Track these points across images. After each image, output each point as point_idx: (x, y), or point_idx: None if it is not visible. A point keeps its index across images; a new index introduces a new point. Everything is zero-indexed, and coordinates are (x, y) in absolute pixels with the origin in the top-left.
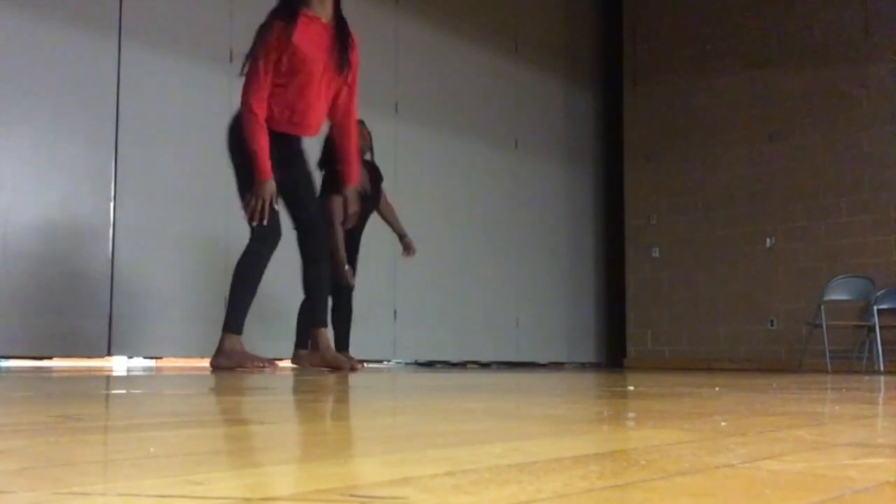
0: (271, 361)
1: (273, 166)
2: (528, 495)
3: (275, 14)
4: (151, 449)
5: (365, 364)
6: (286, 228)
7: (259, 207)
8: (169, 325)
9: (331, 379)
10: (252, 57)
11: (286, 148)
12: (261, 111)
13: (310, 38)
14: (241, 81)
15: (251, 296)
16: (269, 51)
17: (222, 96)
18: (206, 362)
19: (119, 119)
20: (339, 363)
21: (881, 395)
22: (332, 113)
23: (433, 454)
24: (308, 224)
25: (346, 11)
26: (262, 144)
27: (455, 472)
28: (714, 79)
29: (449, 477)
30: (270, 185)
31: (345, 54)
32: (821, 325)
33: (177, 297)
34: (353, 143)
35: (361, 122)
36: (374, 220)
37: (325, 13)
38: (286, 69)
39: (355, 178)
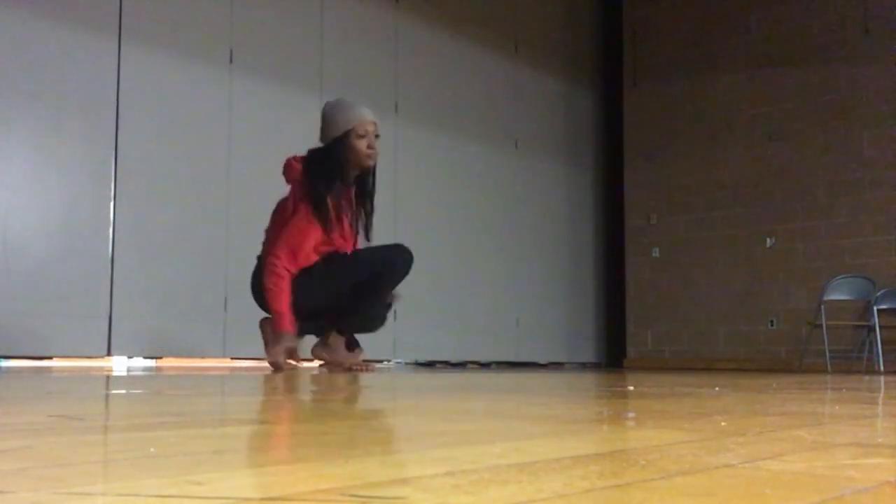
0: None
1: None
2: (528, 495)
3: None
4: (151, 449)
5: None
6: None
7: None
8: (169, 325)
9: (331, 379)
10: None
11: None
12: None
13: (340, 206)
14: (240, 81)
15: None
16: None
17: (222, 96)
18: (205, 363)
19: (119, 119)
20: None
21: (881, 395)
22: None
23: (433, 454)
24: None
25: (347, 11)
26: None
27: (455, 472)
28: (714, 79)
29: (449, 477)
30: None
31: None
32: (821, 325)
33: (177, 297)
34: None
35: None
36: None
37: (351, 180)
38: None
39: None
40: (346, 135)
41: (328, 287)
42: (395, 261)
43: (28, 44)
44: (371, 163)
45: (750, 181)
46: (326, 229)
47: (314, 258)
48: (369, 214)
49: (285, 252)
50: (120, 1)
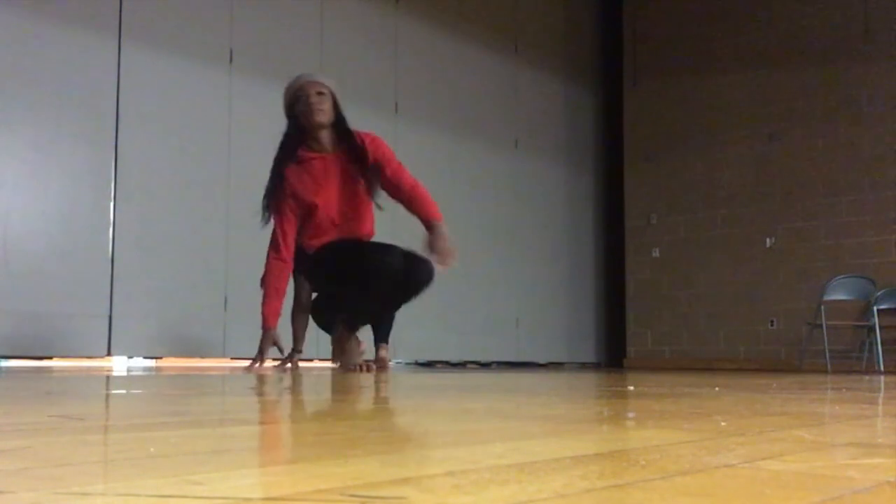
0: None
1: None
2: (528, 495)
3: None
4: (151, 449)
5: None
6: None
7: None
8: (169, 325)
9: (331, 379)
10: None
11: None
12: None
13: (310, 176)
14: (240, 81)
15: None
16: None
17: (222, 96)
18: (205, 363)
19: (119, 119)
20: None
21: (881, 395)
22: (389, 192)
23: (433, 454)
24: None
25: (347, 11)
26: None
27: (455, 472)
28: (714, 79)
29: (449, 477)
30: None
31: (358, 167)
32: (821, 325)
33: (177, 297)
34: (416, 196)
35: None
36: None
37: (322, 147)
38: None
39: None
40: (292, 102)
41: (317, 279)
42: (382, 271)
43: (28, 44)
44: (318, 118)
45: (750, 181)
46: (275, 204)
47: (314, 242)
48: (369, 175)
49: (270, 244)
50: (120, 1)
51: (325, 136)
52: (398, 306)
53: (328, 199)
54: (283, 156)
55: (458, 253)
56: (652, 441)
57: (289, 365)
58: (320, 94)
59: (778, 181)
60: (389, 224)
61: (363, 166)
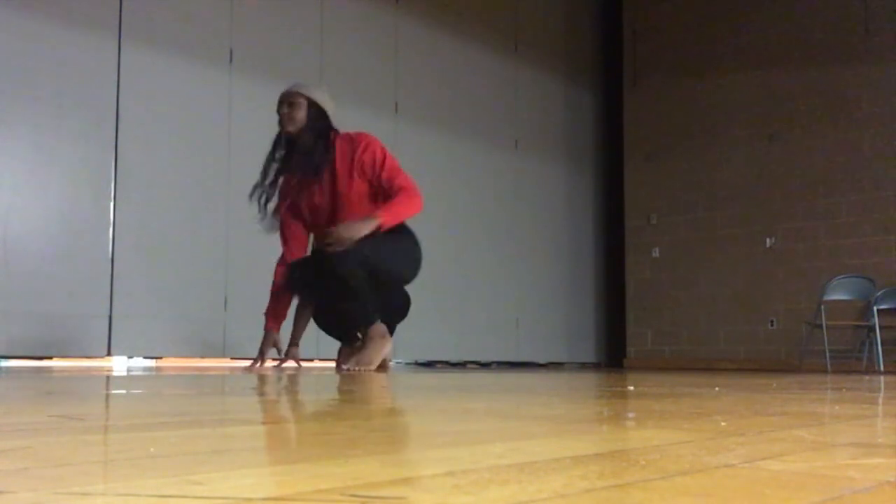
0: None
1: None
2: (528, 495)
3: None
4: (151, 449)
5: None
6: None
7: None
8: (169, 325)
9: (330, 379)
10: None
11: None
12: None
13: (295, 181)
14: (240, 81)
15: None
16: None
17: (222, 96)
18: (205, 363)
19: (119, 119)
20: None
21: (881, 395)
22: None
23: (433, 454)
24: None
25: (347, 11)
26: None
27: (455, 472)
28: (714, 79)
29: (449, 477)
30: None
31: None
32: (821, 325)
33: (177, 297)
34: (396, 196)
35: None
36: None
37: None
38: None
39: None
40: (277, 113)
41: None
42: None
43: (28, 44)
44: (286, 129)
45: (750, 181)
46: (264, 216)
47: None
48: (325, 181)
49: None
50: (120, 1)
51: (305, 143)
52: (357, 302)
53: (313, 203)
54: (280, 166)
55: (338, 247)
56: (652, 441)
57: (289, 363)
58: (292, 104)
59: (778, 181)
60: None
61: (316, 173)
